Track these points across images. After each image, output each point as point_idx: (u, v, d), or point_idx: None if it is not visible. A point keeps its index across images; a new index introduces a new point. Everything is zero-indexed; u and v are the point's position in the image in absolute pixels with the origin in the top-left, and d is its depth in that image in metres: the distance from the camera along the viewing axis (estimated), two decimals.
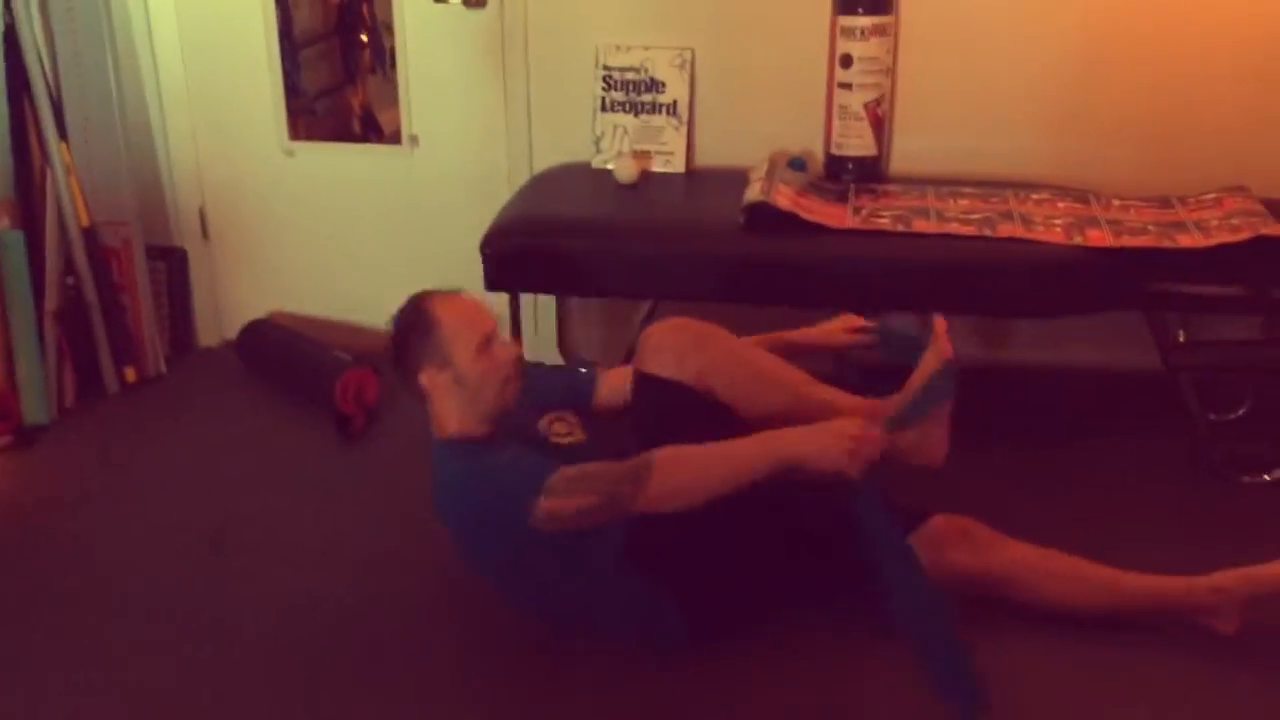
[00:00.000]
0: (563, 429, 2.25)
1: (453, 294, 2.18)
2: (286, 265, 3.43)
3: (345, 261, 3.39)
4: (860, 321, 2.39)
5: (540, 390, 2.30)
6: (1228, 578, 2.09)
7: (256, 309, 3.42)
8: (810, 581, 2.16)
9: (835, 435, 1.95)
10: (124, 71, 3.17)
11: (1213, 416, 2.76)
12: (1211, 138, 2.88)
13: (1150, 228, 2.60)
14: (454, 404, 2.13)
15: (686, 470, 1.96)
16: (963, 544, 2.12)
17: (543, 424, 2.26)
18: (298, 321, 3.41)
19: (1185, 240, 2.52)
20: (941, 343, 2.16)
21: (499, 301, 2.83)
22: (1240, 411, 2.89)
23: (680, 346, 2.23)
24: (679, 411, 2.20)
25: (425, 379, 2.11)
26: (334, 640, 2.21)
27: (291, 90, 3.26)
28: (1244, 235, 2.48)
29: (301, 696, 2.08)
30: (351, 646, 2.19)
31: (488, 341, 2.11)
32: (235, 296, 3.47)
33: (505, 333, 2.25)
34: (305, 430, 2.98)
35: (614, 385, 2.35)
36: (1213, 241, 2.49)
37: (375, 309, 3.38)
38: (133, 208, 3.20)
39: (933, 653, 1.92)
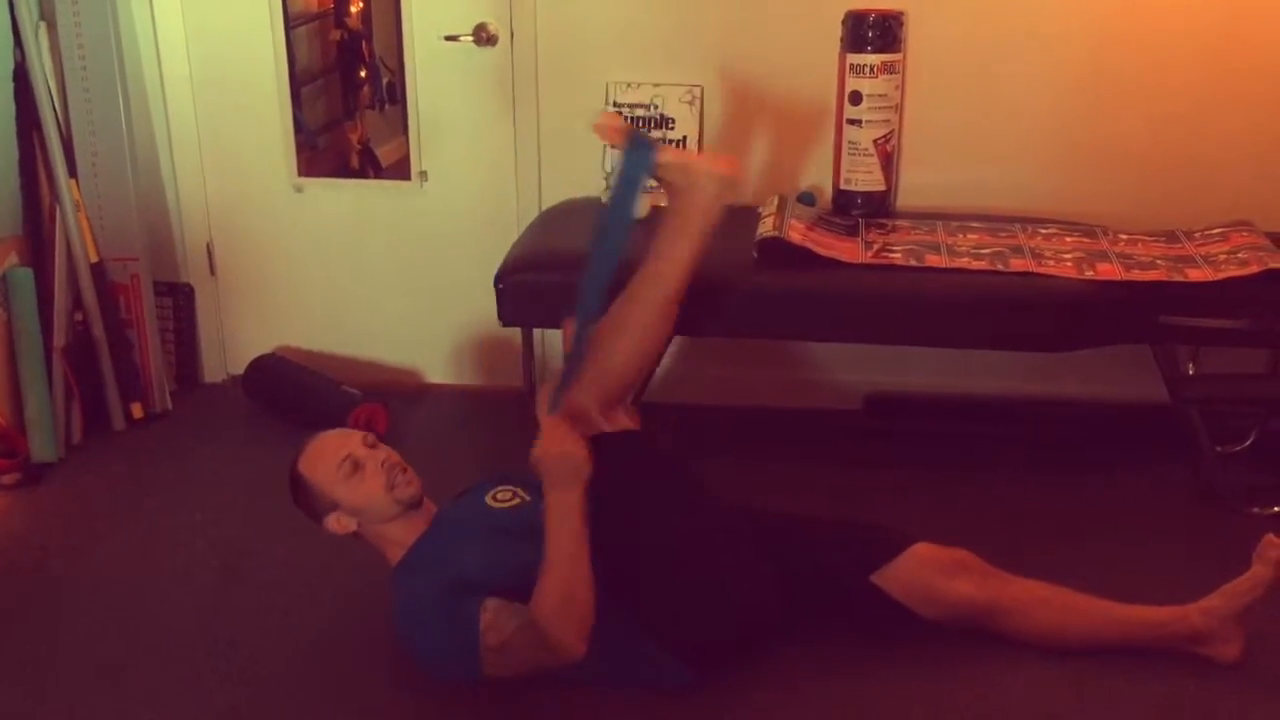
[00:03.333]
0: (505, 495, 2.27)
1: (308, 443, 2.24)
2: (294, 301, 3.42)
3: (353, 297, 3.39)
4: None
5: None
6: (1212, 599, 2.13)
7: (263, 345, 3.42)
8: (782, 587, 2.17)
9: (560, 467, 2.02)
10: (134, 108, 3.17)
11: (1220, 449, 2.79)
12: (1215, 172, 2.93)
13: (1159, 262, 2.63)
14: (369, 531, 2.20)
15: (555, 598, 1.95)
16: (962, 574, 2.14)
17: (487, 497, 2.29)
18: (305, 357, 3.40)
19: (1195, 274, 2.56)
20: None
21: (512, 335, 2.85)
22: (1247, 444, 2.92)
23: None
24: (630, 463, 2.23)
25: (333, 526, 2.19)
26: (352, 675, 2.20)
27: (295, 126, 3.27)
28: (1252, 269, 2.51)
29: None
30: (370, 681, 2.18)
31: (352, 465, 2.16)
32: (242, 332, 3.46)
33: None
34: None
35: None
36: (1222, 275, 2.53)
37: (384, 344, 3.43)
38: (141, 244, 3.20)
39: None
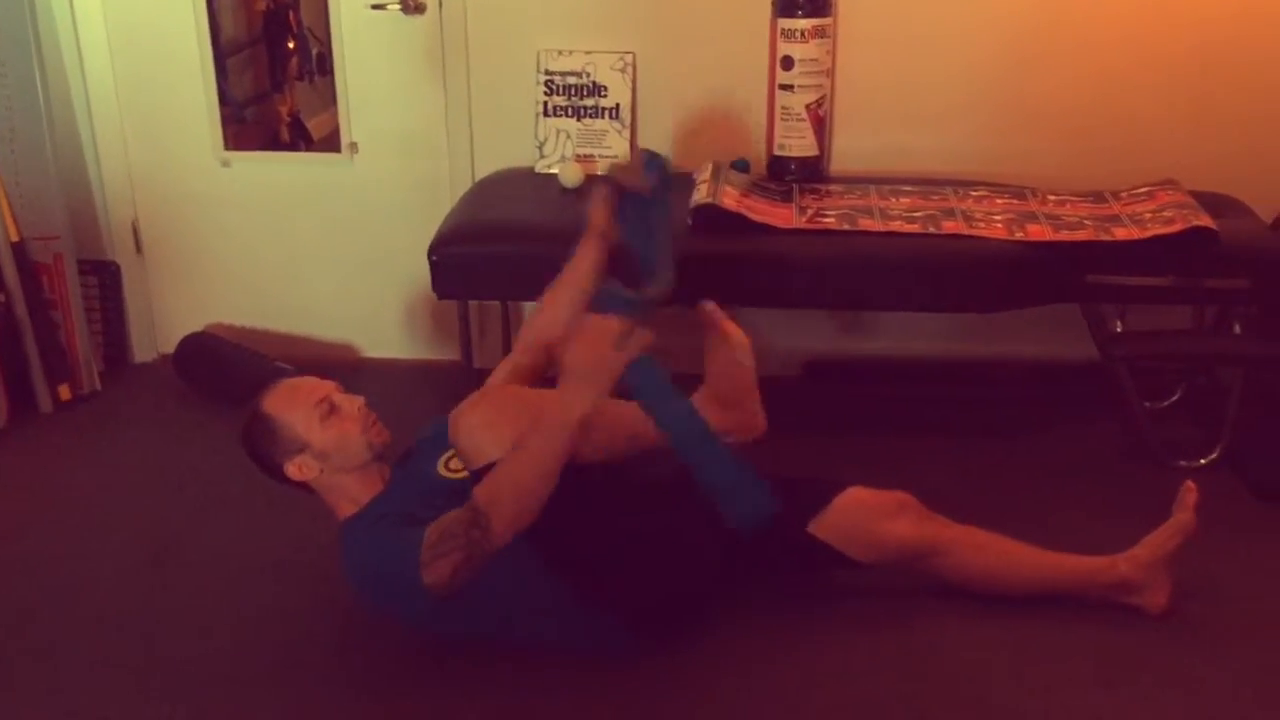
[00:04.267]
0: (457, 464, 2.23)
1: (277, 385, 2.19)
2: (224, 277, 3.36)
3: (284, 271, 3.33)
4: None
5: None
6: (1137, 549, 2.19)
7: (193, 322, 3.35)
8: (725, 552, 2.17)
9: (587, 370, 1.91)
10: (51, 83, 3.08)
11: (1148, 404, 2.85)
12: (1141, 132, 2.98)
13: (1087, 222, 2.67)
14: (327, 480, 2.15)
15: (508, 493, 1.94)
16: (899, 515, 2.17)
17: (439, 464, 2.26)
18: (237, 333, 3.35)
19: (1121, 233, 2.59)
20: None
21: (448, 308, 2.83)
22: (1174, 398, 2.99)
23: (487, 423, 2.14)
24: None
25: (293, 471, 2.13)
26: (293, 654, 2.18)
27: (221, 99, 3.20)
28: (1177, 227, 2.56)
29: (257, 709, 2.05)
30: (306, 659, 2.16)
31: (329, 405, 2.12)
32: (171, 310, 3.39)
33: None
34: None
35: (543, 321, 2.37)
36: (1148, 234, 2.57)
37: (317, 319, 3.38)
38: (63, 222, 3.12)
39: (722, 478, 1.96)
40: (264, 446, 2.15)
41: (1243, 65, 2.92)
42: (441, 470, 2.23)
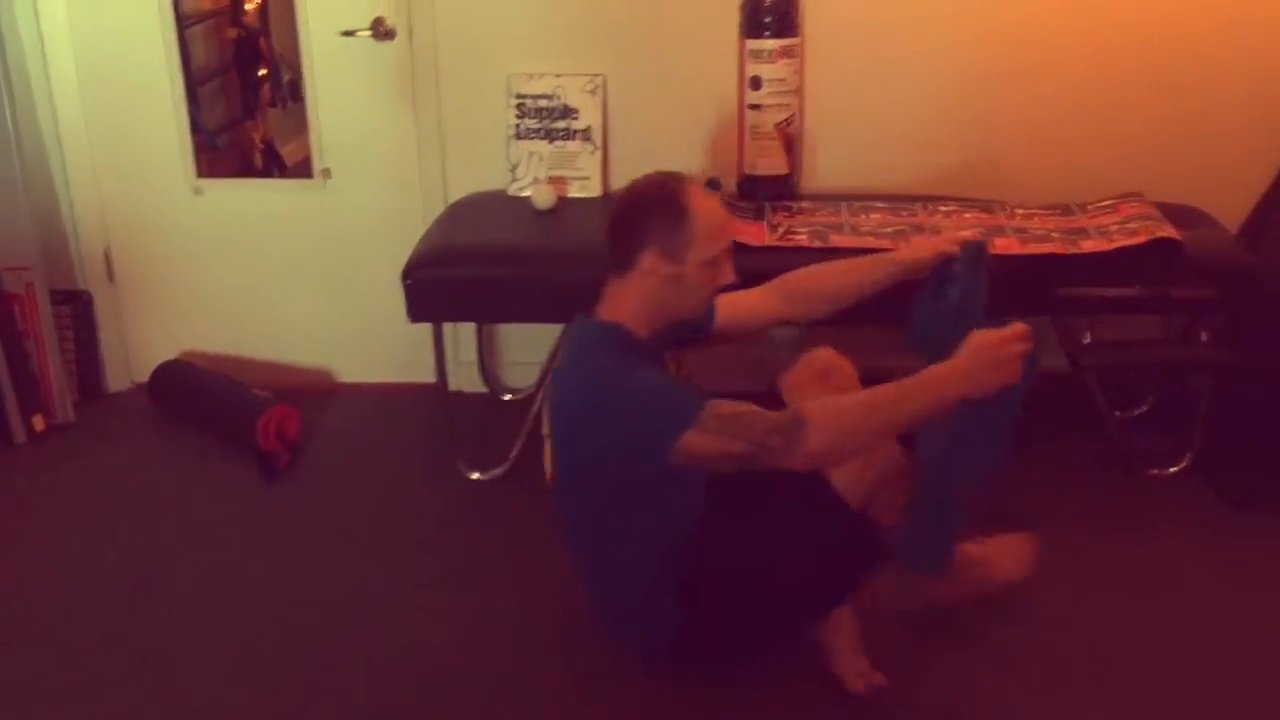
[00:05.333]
0: (672, 368, 2.16)
1: (707, 192, 2.03)
2: (198, 305, 3.36)
3: (259, 298, 3.33)
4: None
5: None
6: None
7: (167, 350, 3.34)
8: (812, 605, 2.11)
9: (1009, 361, 1.85)
10: (20, 111, 3.07)
11: (1119, 413, 2.88)
12: (1107, 146, 3.02)
13: (1054, 235, 2.70)
14: (648, 296, 1.99)
15: (839, 423, 1.84)
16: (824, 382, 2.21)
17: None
18: (212, 361, 3.34)
19: (1088, 246, 2.63)
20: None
21: (423, 331, 2.83)
22: (1144, 408, 3.02)
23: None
24: None
25: (647, 261, 1.95)
26: (271, 681, 2.17)
27: (192, 127, 3.20)
28: (1141, 239, 2.59)
29: None
30: (291, 684, 2.16)
31: (725, 256, 2.00)
32: (145, 339, 3.38)
33: None
34: (226, 471, 2.92)
35: (731, 309, 2.25)
36: (1114, 246, 2.60)
37: (293, 345, 3.38)
38: (35, 252, 3.11)
39: (939, 524, 2.00)
40: (652, 222, 1.96)
41: (1204, 80, 2.97)
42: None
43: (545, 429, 2.25)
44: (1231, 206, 2.96)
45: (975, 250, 2.16)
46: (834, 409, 1.87)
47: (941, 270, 2.23)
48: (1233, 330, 2.75)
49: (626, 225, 1.99)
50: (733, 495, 2.07)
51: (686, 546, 2.03)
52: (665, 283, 1.97)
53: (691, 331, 2.16)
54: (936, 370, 1.86)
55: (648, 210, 1.97)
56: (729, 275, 2.02)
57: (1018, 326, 1.87)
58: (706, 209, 1.97)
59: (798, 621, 2.13)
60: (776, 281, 2.31)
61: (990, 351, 1.85)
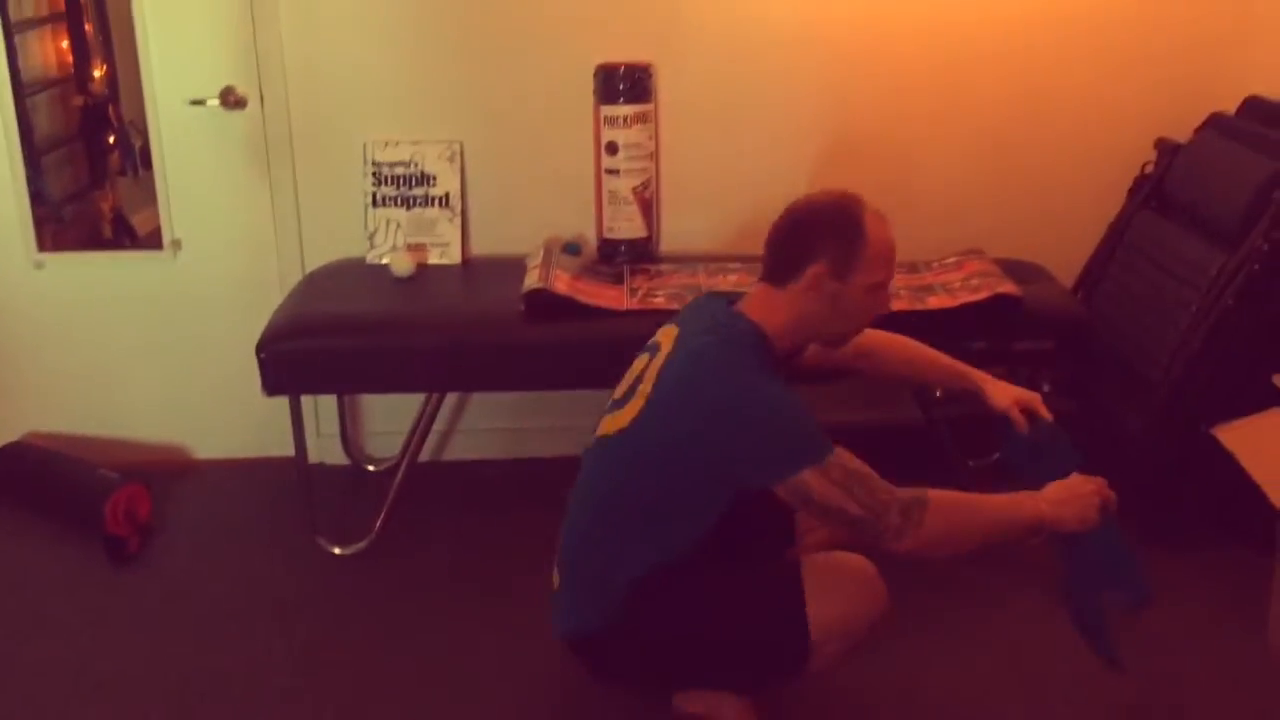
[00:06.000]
0: None
1: (883, 219, 1.98)
2: (41, 383, 3.22)
3: (107, 374, 3.21)
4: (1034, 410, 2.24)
5: None
6: None
7: (8, 432, 3.19)
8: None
9: (1085, 498, 1.95)
10: None
11: (971, 463, 2.97)
12: (948, 204, 3.15)
13: (902, 292, 2.79)
14: (803, 311, 1.95)
15: (953, 519, 1.87)
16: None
17: None
18: (58, 441, 3.20)
19: (934, 302, 2.72)
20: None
21: (281, 403, 2.77)
22: (995, 456, 3.12)
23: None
24: None
25: (813, 274, 1.92)
26: None
27: (35, 198, 3.08)
28: (984, 294, 2.70)
29: None
30: None
31: (885, 286, 1.98)
32: None
33: None
34: (74, 557, 2.80)
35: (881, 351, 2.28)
36: (957, 302, 2.70)
37: (144, 421, 3.27)
38: None
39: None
40: (830, 237, 1.93)
41: (1036, 139, 3.13)
42: None
43: (645, 377, 2.02)
44: (1066, 261, 3.11)
45: (1046, 429, 2.21)
46: (955, 501, 1.89)
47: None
48: (1070, 379, 2.87)
49: (800, 235, 1.96)
50: (728, 546, 2.03)
51: (674, 560, 1.97)
52: (824, 300, 1.94)
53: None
54: (1030, 495, 1.95)
55: (826, 224, 1.95)
56: (887, 305, 2.01)
57: (1100, 480, 1.99)
58: (881, 234, 1.95)
59: (703, 677, 2.10)
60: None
61: (1072, 490, 1.96)
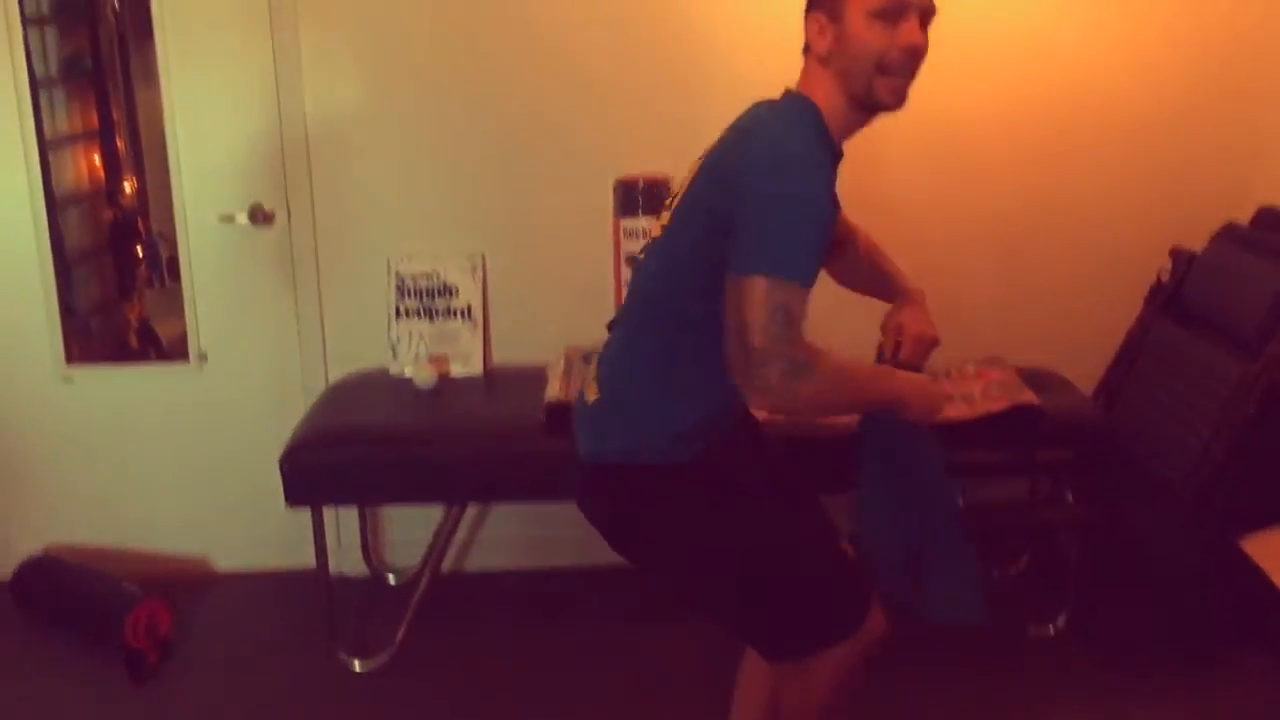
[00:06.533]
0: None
1: None
2: (65, 495, 3.23)
3: (131, 486, 3.23)
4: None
5: None
6: None
7: (32, 544, 3.20)
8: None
9: (935, 397, 1.91)
10: None
11: (996, 573, 2.95)
12: (966, 312, 3.16)
13: None
14: (828, 71, 1.80)
15: (825, 398, 1.73)
16: None
17: None
18: (80, 554, 3.20)
19: (954, 412, 2.72)
20: None
21: (301, 516, 2.78)
22: (1020, 566, 3.10)
23: None
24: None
25: (816, 27, 1.80)
26: None
27: (65, 310, 3.14)
28: (1003, 404, 2.70)
29: None
30: None
31: (895, 11, 1.74)
32: (6, 534, 3.23)
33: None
34: (94, 672, 2.78)
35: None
36: (977, 412, 2.70)
37: (167, 534, 3.28)
38: None
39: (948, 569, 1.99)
40: None
41: (1050, 245, 3.16)
42: None
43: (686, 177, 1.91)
44: (1085, 368, 3.12)
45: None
46: (834, 377, 1.73)
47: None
48: (1093, 489, 2.86)
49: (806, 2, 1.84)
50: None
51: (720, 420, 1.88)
52: (837, 50, 1.78)
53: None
54: (892, 372, 1.91)
55: None
56: (913, 34, 1.76)
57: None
58: None
59: (727, 604, 1.94)
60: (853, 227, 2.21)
61: (925, 386, 1.90)
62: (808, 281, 1.68)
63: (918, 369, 2.03)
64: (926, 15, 1.78)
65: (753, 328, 1.64)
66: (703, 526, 1.89)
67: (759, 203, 1.68)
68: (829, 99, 1.81)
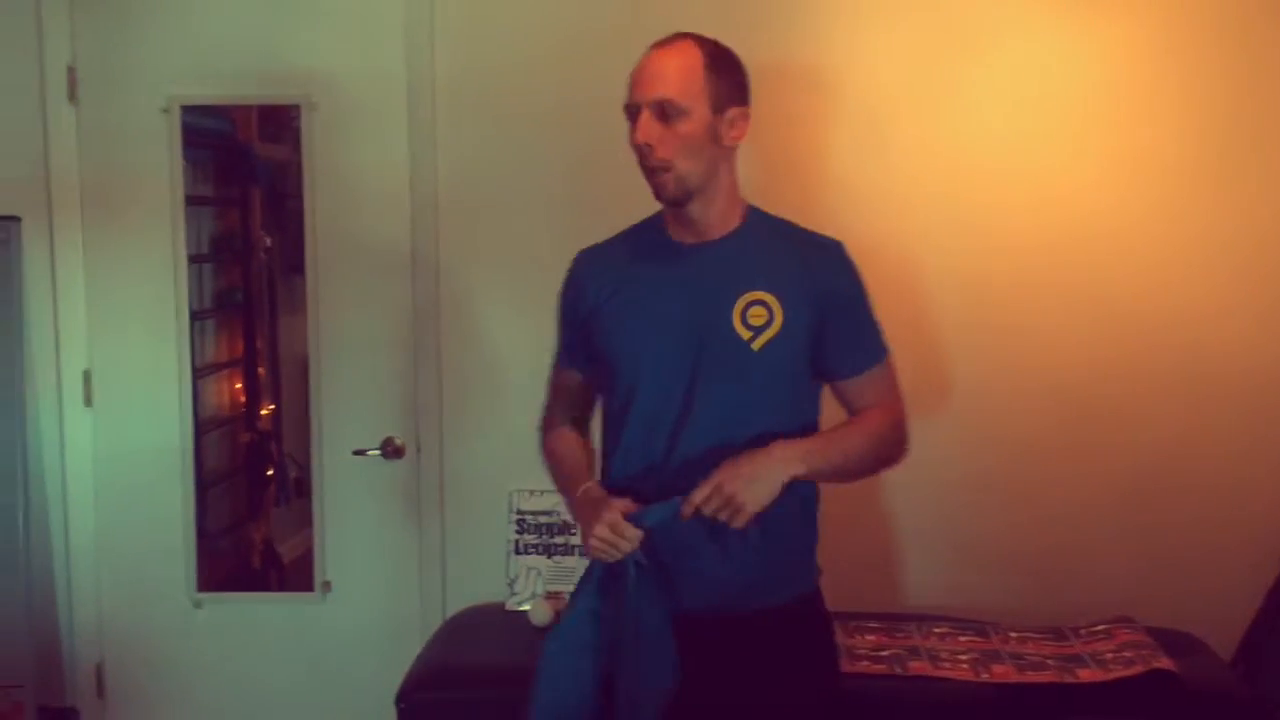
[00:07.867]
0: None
1: (666, 47, 1.97)
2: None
3: (249, 713, 3.26)
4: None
5: None
6: None
7: None
8: None
9: (590, 524, 1.96)
10: (33, 522, 3.14)
11: None
12: (1093, 565, 3.07)
13: (1050, 662, 2.70)
14: (725, 173, 2.05)
15: (546, 464, 2.24)
16: None
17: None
18: None
19: (1085, 675, 2.63)
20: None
21: None
22: None
23: None
24: None
25: (731, 124, 2.04)
26: None
27: (197, 533, 3.25)
28: (1138, 669, 2.59)
29: None
30: None
31: (631, 111, 1.96)
32: None
33: None
34: None
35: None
36: (1111, 676, 2.60)
37: None
38: (29, 669, 3.08)
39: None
40: (734, 78, 1.99)
41: (1188, 498, 3.05)
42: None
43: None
44: (1222, 631, 2.97)
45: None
46: (548, 459, 2.25)
47: None
48: None
49: (725, 65, 2.02)
50: None
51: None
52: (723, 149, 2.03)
53: None
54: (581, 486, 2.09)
55: (725, 67, 2.01)
56: (635, 134, 1.94)
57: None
58: (643, 58, 1.96)
59: None
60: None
61: (597, 518, 1.95)
62: (563, 363, 2.23)
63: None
64: (660, 107, 1.91)
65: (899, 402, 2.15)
66: None
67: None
68: (725, 198, 2.04)
